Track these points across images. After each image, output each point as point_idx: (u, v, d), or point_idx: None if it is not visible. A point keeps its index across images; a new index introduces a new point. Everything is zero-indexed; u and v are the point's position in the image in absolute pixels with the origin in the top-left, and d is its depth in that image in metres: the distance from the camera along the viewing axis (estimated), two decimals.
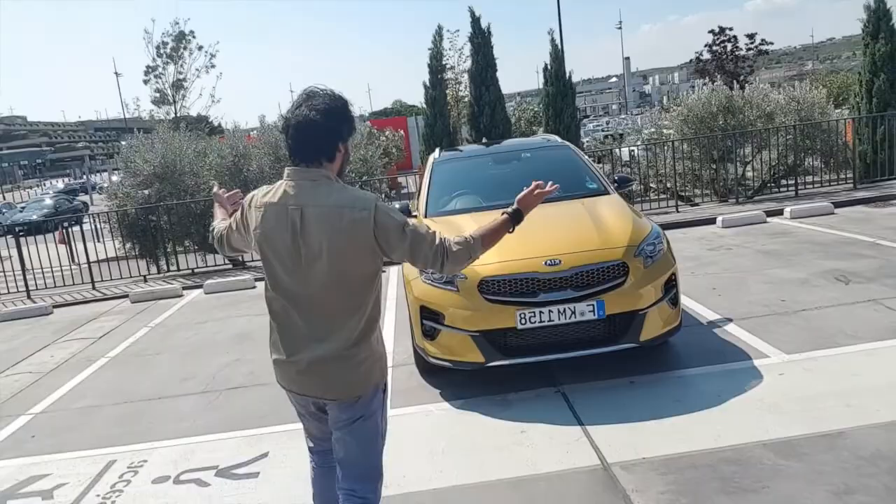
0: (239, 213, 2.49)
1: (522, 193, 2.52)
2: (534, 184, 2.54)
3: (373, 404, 2.40)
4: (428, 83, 13.59)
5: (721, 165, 11.86)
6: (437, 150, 6.92)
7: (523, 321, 4.26)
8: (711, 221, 9.83)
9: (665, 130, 13.01)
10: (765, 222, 9.52)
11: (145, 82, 26.81)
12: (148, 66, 26.54)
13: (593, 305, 4.27)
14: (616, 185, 5.87)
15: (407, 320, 5.00)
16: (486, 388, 4.59)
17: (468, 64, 13.91)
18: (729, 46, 34.73)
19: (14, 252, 10.57)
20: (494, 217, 2.48)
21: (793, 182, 11.44)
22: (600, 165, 12.18)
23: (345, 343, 2.28)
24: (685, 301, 5.52)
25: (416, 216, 5.59)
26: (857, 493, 3.02)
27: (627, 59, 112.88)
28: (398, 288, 7.39)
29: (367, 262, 2.28)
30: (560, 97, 13.34)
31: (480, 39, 13.28)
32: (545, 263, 4.31)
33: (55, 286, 10.71)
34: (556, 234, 4.64)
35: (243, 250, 2.62)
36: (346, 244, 2.22)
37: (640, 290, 4.37)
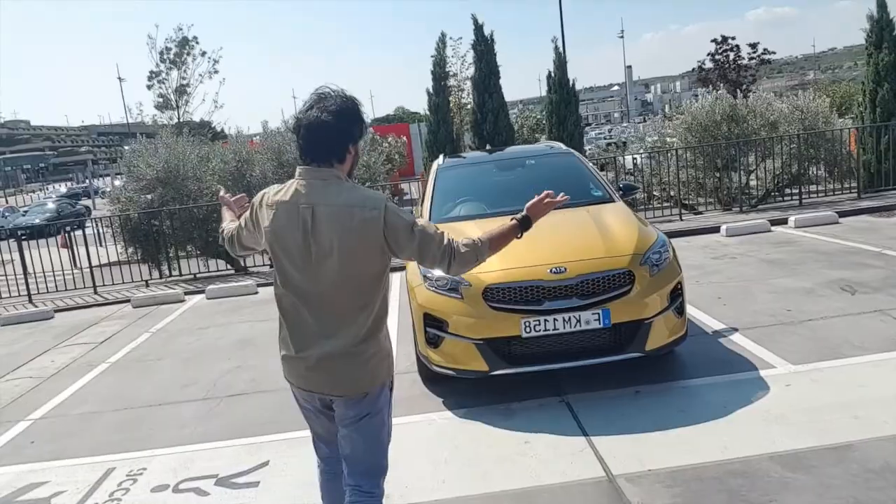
0: (249, 211, 2.51)
1: (532, 201, 2.52)
2: (544, 192, 2.54)
3: (379, 401, 2.43)
4: (431, 90, 13.61)
5: (725, 174, 11.85)
6: (442, 157, 6.90)
7: (528, 329, 4.22)
8: (715, 230, 9.80)
9: (669, 139, 13.00)
10: (769, 231, 9.48)
11: (149, 87, 26.97)
12: (151, 72, 26.69)
13: (599, 314, 4.23)
14: (621, 192, 5.84)
15: (410, 327, 4.97)
16: (490, 396, 4.55)
17: (471, 71, 13.95)
18: (731, 55, 34.84)
19: (16, 256, 10.56)
20: (503, 222, 2.49)
21: (797, 191, 11.43)
22: (603, 173, 12.16)
23: (353, 340, 2.32)
24: (690, 310, 5.48)
25: None
26: None
27: (629, 67, 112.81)
28: (401, 294, 7.35)
29: (377, 261, 2.32)
30: (564, 104, 13.35)
31: (484, 47, 13.31)
32: (550, 271, 4.27)
33: (57, 290, 10.69)
34: (561, 241, 4.61)
35: (254, 248, 2.64)
36: (356, 243, 2.25)
37: (646, 298, 4.33)
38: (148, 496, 3.85)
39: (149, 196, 11.24)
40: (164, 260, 11.12)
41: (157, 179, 11.16)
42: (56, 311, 9.43)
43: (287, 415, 4.68)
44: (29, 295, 10.28)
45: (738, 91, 14.38)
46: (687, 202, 11.91)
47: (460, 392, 4.68)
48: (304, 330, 2.35)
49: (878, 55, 11.52)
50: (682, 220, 10.89)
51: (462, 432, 4.19)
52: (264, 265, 10.95)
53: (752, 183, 12.03)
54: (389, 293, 2.48)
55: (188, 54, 26.60)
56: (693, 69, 38.71)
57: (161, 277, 10.96)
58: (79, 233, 12.57)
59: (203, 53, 26.78)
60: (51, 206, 31.75)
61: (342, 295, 2.30)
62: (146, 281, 10.65)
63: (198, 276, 10.74)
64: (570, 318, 4.22)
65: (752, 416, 3.95)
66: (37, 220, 25.02)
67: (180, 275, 10.87)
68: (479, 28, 13.34)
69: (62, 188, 57.37)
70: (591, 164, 6.57)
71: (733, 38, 35.47)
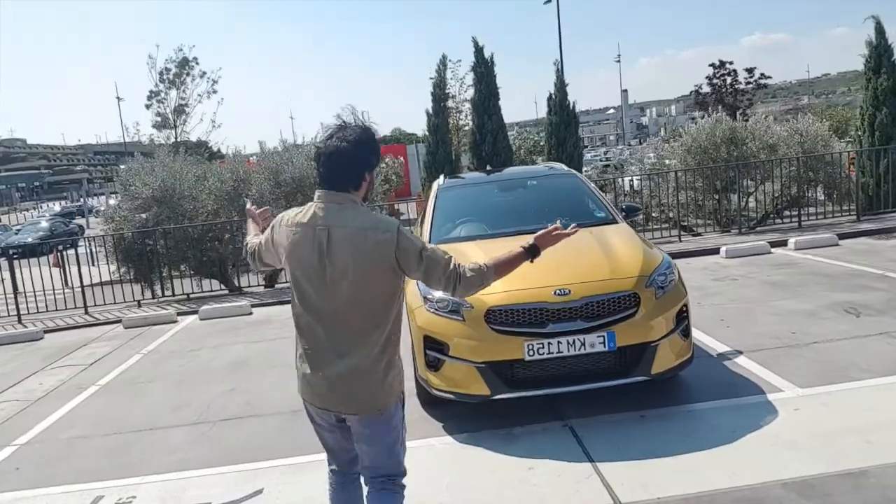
0: (269, 230, 2.64)
1: (541, 232, 2.61)
2: (552, 226, 2.62)
3: (394, 418, 2.55)
4: (431, 111, 13.66)
5: (724, 196, 11.84)
6: (442, 177, 6.83)
7: (531, 352, 4.11)
8: (715, 251, 9.74)
9: (667, 161, 13.02)
10: (769, 253, 9.42)
11: (147, 107, 27.04)
12: (151, 91, 26.77)
13: (604, 337, 4.13)
14: (623, 213, 5.77)
15: (409, 348, 4.85)
16: (491, 421, 4.42)
17: (470, 93, 14.02)
18: (729, 80, 35.16)
19: (7, 275, 10.41)
20: (510, 248, 2.57)
21: (795, 213, 11.41)
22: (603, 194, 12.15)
23: (366, 358, 2.42)
24: (692, 332, 5.38)
25: None
26: None
27: (625, 91, 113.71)
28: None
29: (389, 281, 2.44)
30: (563, 126, 13.43)
31: (483, 69, 13.38)
32: (554, 293, 4.18)
33: (47, 310, 10.53)
34: (565, 262, 4.48)
35: (273, 265, 2.75)
36: (369, 264, 2.37)
37: (651, 321, 4.23)
38: None
39: (143, 215, 11.12)
40: (156, 279, 10.96)
41: (152, 198, 11.05)
42: (46, 331, 9.26)
43: (282, 440, 4.55)
44: (18, 315, 10.11)
45: (737, 115, 14.46)
46: (685, 224, 11.88)
47: (460, 416, 4.55)
48: (319, 347, 2.45)
49: (876, 80, 11.63)
50: (680, 241, 10.85)
51: (463, 457, 4.06)
52: (259, 285, 10.83)
53: (752, 205, 12.02)
54: (403, 312, 2.57)
55: (188, 74, 26.72)
56: (690, 93, 39.06)
57: (154, 297, 10.81)
58: (71, 252, 12.42)
59: (203, 74, 26.93)
60: (44, 224, 31.59)
61: (356, 314, 2.41)
62: (138, 301, 10.50)
63: (191, 296, 10.60)
64: (574, 341, 4.11)
65: (762, 441, 3.84)
66: (29, 239, 24.87)
67: (173, 295, 10.71)
68: (479, 50, 13.42)
69: (56, 207, 57.21)
70: (592, 184, 6.51)
71: (731, 63, 35.88)
